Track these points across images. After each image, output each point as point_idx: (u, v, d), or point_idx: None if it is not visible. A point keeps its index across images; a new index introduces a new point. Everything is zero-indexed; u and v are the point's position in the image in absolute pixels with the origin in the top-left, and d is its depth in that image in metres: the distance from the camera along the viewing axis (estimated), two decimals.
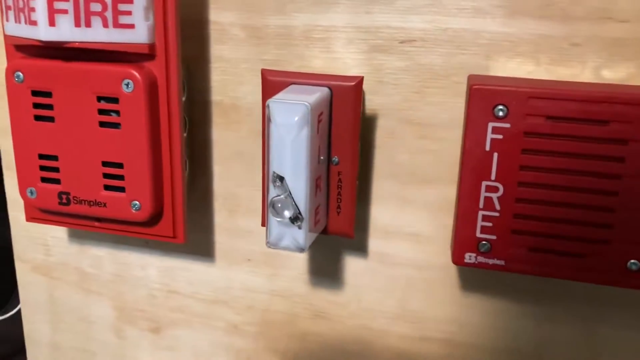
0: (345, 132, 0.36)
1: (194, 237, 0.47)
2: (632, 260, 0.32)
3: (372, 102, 0.41)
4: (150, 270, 0.50)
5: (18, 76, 0.38)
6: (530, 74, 0.37)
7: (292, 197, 0.33)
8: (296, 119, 0.32)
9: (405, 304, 0.44)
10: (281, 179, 0.33)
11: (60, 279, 0.52)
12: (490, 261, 0.34)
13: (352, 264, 0.45)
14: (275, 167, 0.33)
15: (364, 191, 0.43)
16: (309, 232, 0.35)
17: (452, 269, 0.42)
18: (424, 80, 0.39)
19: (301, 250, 0.34)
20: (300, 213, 0.34)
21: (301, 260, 0.46)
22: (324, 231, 0.39)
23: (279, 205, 0.32)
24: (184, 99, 0.43)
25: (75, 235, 0.50)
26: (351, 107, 0.36)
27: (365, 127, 0.41)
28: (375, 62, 0.40)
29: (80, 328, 0.53)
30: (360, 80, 0.36)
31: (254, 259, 0.47)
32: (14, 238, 0.52)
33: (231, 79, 0.43)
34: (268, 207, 0.33)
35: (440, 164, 0.40)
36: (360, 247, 0.44)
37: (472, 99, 0.32)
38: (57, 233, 0.51)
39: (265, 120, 0.32)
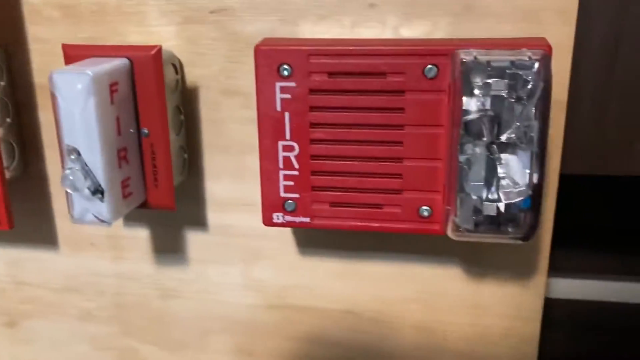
0: (151, 103, 0.36)
1: (36, 225, 0.46)
2: (424, 207, 0.33)
3: (192, 74, 0.41)
4: None
5: None
6: (338, 37, 0.38)
7: (90, 170, 0.33)
8: (79, 87, 0.31)
9: (249, 273, 0.45)
10: (77, 152, 0.33)
11: None
12: (297, 219, 0.35)
13: (194, 239, 0.45)
14: (67, 140, 0.33)
15: (197, 165, 0.42)
16: (115, 205, 0.34)
17: (289, 235, 0.43)
18: (239, 49, 0.40)
19: (107, 224, 0.34)
20: (100, 186, 0.33)
21: (143, 240, 0.45)
22: (145, 205, 0.38)
23: (72, 178, 0.32)
24: (3, 83, 0.42)
25: None
26: (153, 77, 0.36)
27: (188, 100, 0.41)
28: (190, 34, 0.40)
29: None
30: (158, 50, 0.35)
31: (98, 243, 0.46)
32: None
33: (52, 60, 0.42)
34: (62, 181, 0.32)
35: None
36: (200, 221, 0.44)
37: (258, 60, 0.33)
38: None
39: (50, 93, 0.32)
